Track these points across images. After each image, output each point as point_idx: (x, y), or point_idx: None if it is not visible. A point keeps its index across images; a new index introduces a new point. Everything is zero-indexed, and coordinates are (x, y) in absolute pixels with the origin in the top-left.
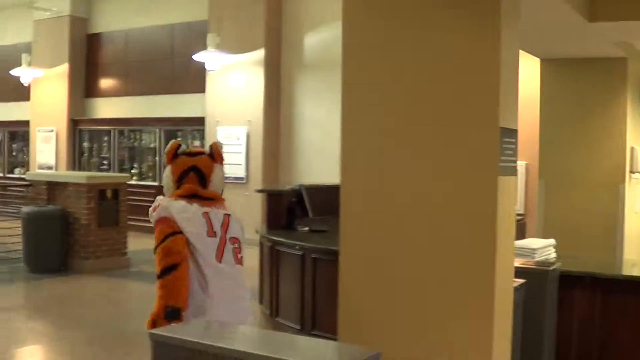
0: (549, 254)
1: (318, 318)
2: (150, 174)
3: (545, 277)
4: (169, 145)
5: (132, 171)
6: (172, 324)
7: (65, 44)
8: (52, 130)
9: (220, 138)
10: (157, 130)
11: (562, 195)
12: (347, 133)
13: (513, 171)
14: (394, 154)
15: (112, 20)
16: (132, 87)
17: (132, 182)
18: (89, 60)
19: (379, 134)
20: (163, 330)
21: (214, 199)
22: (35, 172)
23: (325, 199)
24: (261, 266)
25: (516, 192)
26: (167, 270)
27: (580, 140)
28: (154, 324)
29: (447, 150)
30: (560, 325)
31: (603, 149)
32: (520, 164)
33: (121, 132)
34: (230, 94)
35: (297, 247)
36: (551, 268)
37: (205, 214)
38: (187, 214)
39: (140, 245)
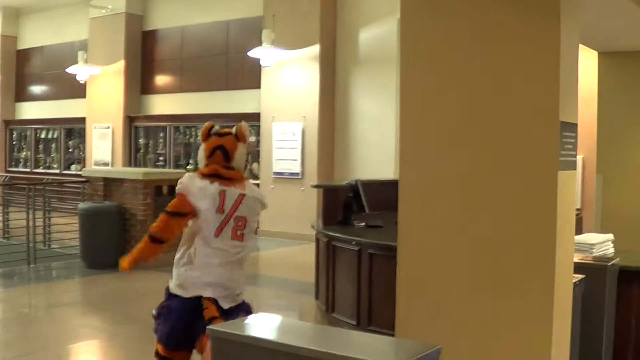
0: (607, 249)
1: (374, 314)
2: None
3: (604, 272)
4: (203, 126)
5: (188, 167)
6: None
7: (121, 41)
8: (108, 127)
9: (276, 134)
10: None
11: (620, 189)
12: (405, 129)
13: (573, 165)
14: (453, 150)
15: (168, 17)
16: (188, 83)
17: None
18: (144, 57)
19: (437, 129)
20: (222, 327)
21: (233, 179)
22: (91, 168)
23: (381, 194)
24: (317, 262)
25: (575, 186)
26: (174, 214)
27: (639, 134)
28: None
29: (507, 145)
30: (618, 321)
31: None
32: (578, 158)
33: (177, 129)
34: (286, 90)
35: (353, 243)
36: (610, 263)
37: (222, 192)
38: (204, 192)
39: None
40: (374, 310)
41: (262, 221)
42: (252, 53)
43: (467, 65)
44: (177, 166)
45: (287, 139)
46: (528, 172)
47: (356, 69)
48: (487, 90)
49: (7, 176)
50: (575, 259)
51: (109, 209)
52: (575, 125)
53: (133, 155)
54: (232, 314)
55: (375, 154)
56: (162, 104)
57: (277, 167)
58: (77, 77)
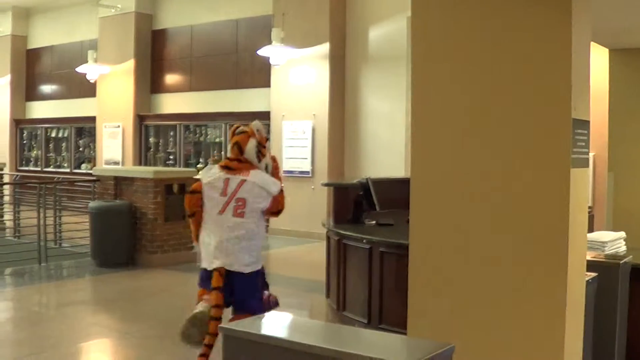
0: (619, 247)
1: (385, 312)
2: (204, 169)
3: (616, 270)
4: (233, 126)
5: (198, 166)
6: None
7: (131, 40)
8: (118, 126)
9: (286, 132)
10: (223, 125)
11: (631, 187)
12: (417, 127)
13: (585, 163)
14: (464, 148)
15: (177, 16)
16: (197, 82)
17: (198, 176)
18: (154, 56)
19: (449, 127)
20: (233, 325)
21: (237, 169)
22: (102, 167)
23: (392, 192)
24: (328, 260)
25: (588, 184)
26: (192, 192)
27: None
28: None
29: (519, 143)
30: (631, 320)
31: None
32: (589, 156)
33: (187, 127)
34: (295, 88)
35: (364, 241)
36: (622, 261)
37: (226, 180)
38: (212, 179)
39: None
40: (385, 309)
41: (272, 219)
42: (262, 51)
43: (478, 63)
44: (187, 165)
45: (297, 137)
46: (540, 169)
47: (366, 67)
48: (499, 88)
49: (17, 175)
50: (588, 257)
51: (120, 208)
52: (588, 122)
53: (143, 154)
54: (244, 281)
55: (385, 152)
56: (172, 103)
57: (287, 165)
58: (87, 77)
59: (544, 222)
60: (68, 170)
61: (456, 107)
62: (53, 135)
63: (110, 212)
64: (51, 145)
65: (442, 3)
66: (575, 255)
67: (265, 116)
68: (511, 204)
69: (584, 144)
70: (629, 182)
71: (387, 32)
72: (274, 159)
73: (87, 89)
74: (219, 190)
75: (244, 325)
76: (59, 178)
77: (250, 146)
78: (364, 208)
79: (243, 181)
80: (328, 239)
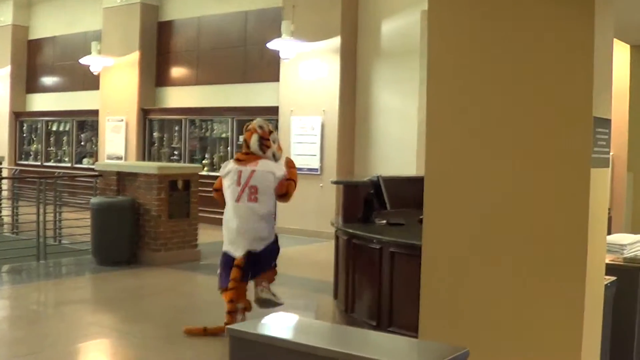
0: (639, 250)
1: (395, 314)
2: (222, 165)
3: (636, 274)
4: (247, 125)
5: (203, 162)
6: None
7: (136, 32)
8: (121, 120)
9: (295, 128)
10: (230, 120)
11: None
12: (432, 124)
13: (606, 163)
14: (482, 146)
15: (184, 7)
16: (204, 75)
17: (203, 173)
18: (159, 48)
19: (465, 124)
20: (239, 326)
21: (246, 161)
22: (104, 162)
23: (403, 191)
24: (336, 260)
25: (608, 184)
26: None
27: None
28: None
29: (538, 142)
30: None
31: None
32: None
33: (192, 122)
34: (305, 83)
35: (374, 241)
36: None
37: (239, 171)
38: (228, 171)
39: (212, 237)
40: (395, 311)
41: (280, 217)
42: (271, 45)
43: (497, 58)
44: (192, 160)
45: (306, 133)
46: (559, 169)
47: (378, 62)
48: (518, 85)
49: (17, 169)
50: (606, 260)
51: (122, 204)
52: (609, 121)
53: (147, 149)
54: (260, 255)
55: (396, 149)
56: (178, 97)
57: (296, 162)
58: (91, 69)
59: (563, 223)
60: (69, 164)
61: (473, 104)
62: (54, 128)
63: (113, 208)
64: (52, 139)
65: (458, 1)
66: (594, 258)
67: (273, 111)
68: (529, 204)
69: (604, 143)
70: None
71: (400, 26)
72: (290, 163)
73: (90, 82)
74: (234, 181)
75: (251, 326)
76: (59, 173)
77: (253, 141)
78: (374, 207)
79: (253, 171)
80: (337, 238)
